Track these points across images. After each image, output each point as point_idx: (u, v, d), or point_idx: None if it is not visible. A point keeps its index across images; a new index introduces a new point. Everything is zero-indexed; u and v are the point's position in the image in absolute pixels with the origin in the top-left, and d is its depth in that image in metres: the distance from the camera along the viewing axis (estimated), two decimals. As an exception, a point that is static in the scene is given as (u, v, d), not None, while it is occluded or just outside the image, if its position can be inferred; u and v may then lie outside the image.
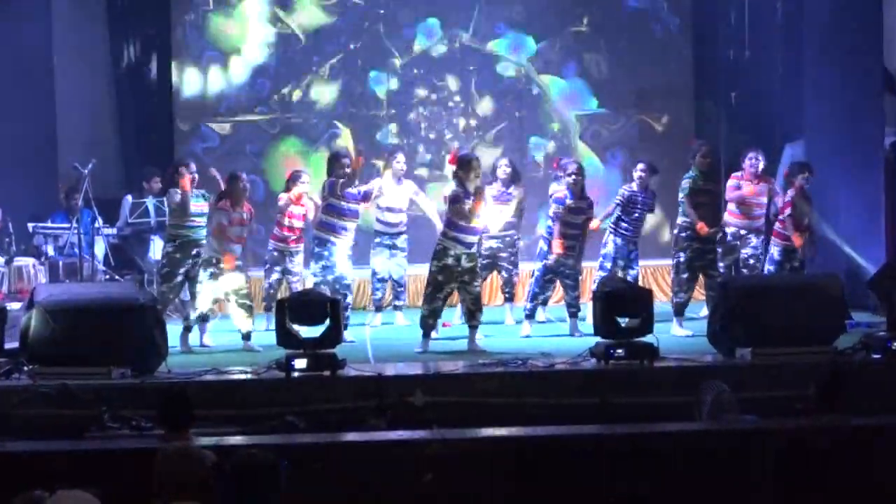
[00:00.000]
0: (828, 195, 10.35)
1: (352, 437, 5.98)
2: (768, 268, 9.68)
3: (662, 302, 10.08)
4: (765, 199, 9.82)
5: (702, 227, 9.19)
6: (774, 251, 9.69)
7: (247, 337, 8.84)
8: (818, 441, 4.14)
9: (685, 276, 9.30)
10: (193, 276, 8.96)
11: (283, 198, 9.50)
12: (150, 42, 12.59)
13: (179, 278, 8.98)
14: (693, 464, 5.35)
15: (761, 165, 9.68)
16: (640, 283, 9.77)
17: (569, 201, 9.20)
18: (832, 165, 10.45)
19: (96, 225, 10.18)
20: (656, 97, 12.82)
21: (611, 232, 9.60)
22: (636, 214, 9.54)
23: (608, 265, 9.52)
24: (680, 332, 9.08)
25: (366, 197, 9.39)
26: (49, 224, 10.78)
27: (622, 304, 7.60)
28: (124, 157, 12.19)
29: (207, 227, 8.99)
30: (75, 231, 9.69)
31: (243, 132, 12.61)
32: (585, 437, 5.68)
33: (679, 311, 9.26)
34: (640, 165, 9.66)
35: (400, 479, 5.29)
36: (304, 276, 9.72)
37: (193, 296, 8.96)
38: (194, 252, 8.98)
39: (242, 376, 7.28)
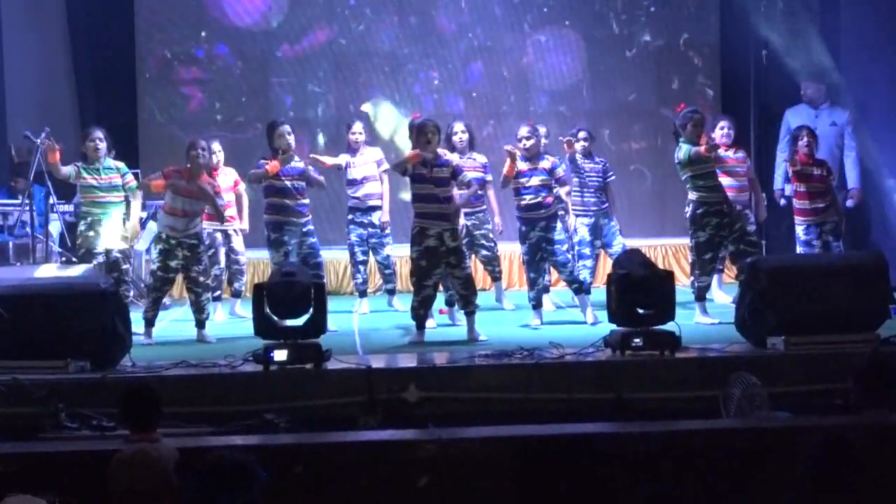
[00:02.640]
0: (873, 158, 10.31)
1: (338, 437, 5.98)
2: (799, 250, 9.67)
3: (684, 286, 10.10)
4: (746, 167, 9.96)
5: (703, 146, 8.97)
6: (800, 231, 9.65)
7: (200, 325, 8.78)
8: (858, 440, 4.14)
9: (707, 256, 9.15)
10: (112, 261, 8.82)
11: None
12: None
13: (100, 258, 8.79)
14: (719, 466, 5.37)
15: (732, 134, 9.84)
16: (659, 264, 9.82)
17: (521, 165, 9.11)
18: (878, 124, 10.40)
19: (50, 201, 10.13)
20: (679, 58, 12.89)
21: (576, 216, 9.81)
22: (589, 184, 9.77)
23: (586, 251, 9.77)
24: (704, 320, 9.05)
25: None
26: (-3, 200, 10.77)
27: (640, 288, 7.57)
28: (82, 122, 12.11)
29: None
30: (27, 208, 9.62)
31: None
32: (600, 436, 5.69)
33: (701, 296, 9.21)
34: (582, 133, 9.89)
35: (391, 484, 5.30)
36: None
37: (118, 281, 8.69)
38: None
39: (216, 370, 7.26)
